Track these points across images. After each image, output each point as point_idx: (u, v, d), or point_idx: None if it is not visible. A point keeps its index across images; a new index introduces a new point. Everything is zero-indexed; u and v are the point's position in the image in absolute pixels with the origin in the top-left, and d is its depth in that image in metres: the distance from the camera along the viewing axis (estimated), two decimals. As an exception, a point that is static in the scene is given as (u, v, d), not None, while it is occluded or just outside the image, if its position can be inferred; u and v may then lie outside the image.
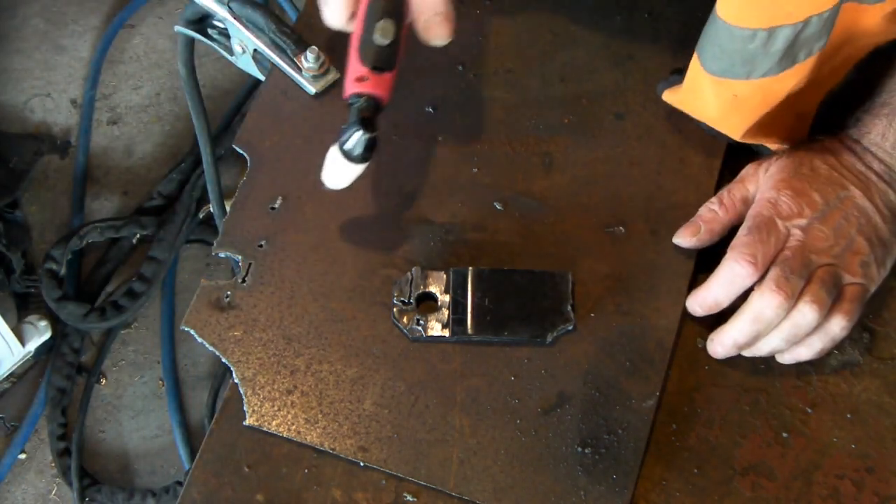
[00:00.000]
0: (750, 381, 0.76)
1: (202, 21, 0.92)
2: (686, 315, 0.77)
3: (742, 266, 0.73)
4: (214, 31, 0.92)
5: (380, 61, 0.72)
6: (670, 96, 0.83)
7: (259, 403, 0.73)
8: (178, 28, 0.93)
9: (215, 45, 0.92)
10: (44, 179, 1.73)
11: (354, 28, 0.73)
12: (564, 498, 0.70)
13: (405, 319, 0.75)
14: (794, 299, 0.71)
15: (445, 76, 0.87)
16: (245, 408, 0.73)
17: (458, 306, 0.75)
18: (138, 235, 1.65)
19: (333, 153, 0.73)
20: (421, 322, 0.75)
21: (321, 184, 0.74)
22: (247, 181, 0.82)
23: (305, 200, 0.81)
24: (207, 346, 0.75)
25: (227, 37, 0.90)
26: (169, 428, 1.56)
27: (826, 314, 0.72)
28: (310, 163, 0.74)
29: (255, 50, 0.87)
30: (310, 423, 0.73)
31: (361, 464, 0.72)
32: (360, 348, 0.75)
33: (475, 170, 0.83)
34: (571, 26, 0.90)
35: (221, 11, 0.86)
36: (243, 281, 0.78)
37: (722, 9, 0.68)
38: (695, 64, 0.74)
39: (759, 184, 0.79)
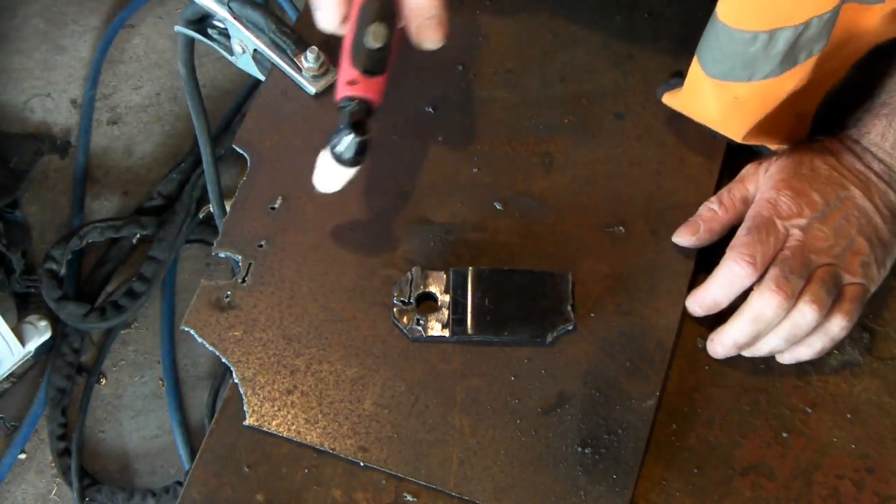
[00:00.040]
0: (750, 381, 0.76)
1: (202, 21, 0.92)
2: (686, 315, 0.77)
3: (741, 266, 0.73)
4: (214, 31, 0.92)
5: (371, 65, 0.72)
6: (670, 100, 0.83)
7: (259, 403, 0.73)
8: (178, 28, 0.93)
9: (215, 45, 0.92)
10: (44, 179, 1.73)
11: (346, 31, 0.73)
12: (564, 498, 0.70)
13: (405, 319, 0.75)
14: (793, 299, 0.71)
15: (445, 76, 0.87)
16: (245, 408, 0.73)
17: (458, 306, 0.75)
18: (138, 235, 1.65)
19: (324, 157, 0.73)
20: (421, 322, 0.75)
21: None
22: (247, 181, 0.82)
23: (305, 200, 0.81)
24: (207, 346, 0.75)
25: (227, 37, 0.90)
26: (169, 428, 1.56)
27: (826, 314, 0.72)
28: (310, 163, 0.74)
29: (255, 50, 0.87)
30: (310, 423, 0.73)
31: (361, 464, 0.72)
32: (360, 348, 0.75)
33: (475, 170, 0.83)
34: (571, 26, 0.90)
35: (221, 11, 0.86)
36: (243, 281, 0.78)
37: (722, 12, 0.68)
38: (695, 67, 0.74)
39: (759, 184, 0.79)
